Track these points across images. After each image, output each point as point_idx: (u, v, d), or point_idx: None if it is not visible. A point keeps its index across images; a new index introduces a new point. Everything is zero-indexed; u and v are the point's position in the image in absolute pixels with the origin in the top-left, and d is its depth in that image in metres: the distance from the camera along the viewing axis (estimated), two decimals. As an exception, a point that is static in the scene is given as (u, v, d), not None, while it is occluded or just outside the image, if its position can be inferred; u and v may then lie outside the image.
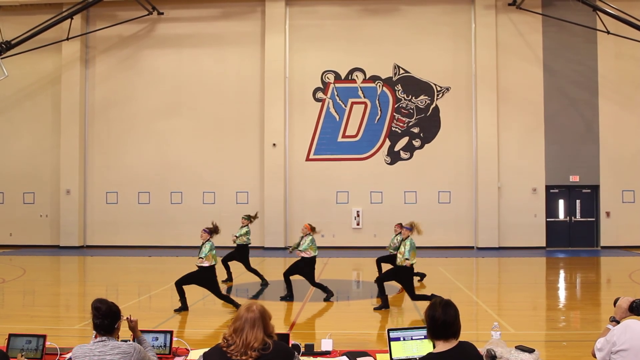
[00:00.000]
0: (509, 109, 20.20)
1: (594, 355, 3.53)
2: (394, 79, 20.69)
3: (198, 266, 9.23)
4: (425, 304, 5.83)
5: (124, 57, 21.46)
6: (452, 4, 20.63)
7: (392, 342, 4.53)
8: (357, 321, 8.81)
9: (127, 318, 4.10)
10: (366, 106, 20.73)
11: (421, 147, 20.60)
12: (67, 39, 19.97)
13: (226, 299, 9.33)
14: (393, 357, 4.50)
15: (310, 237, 10.25)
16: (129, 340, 3.98)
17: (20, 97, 21.64)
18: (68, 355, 4.61)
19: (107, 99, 21.44)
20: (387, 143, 20.64)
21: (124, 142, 21.27)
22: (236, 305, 8.97)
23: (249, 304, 3.37)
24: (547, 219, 20.33)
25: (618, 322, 3.53)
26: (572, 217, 20.58)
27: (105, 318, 3.70)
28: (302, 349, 4.86)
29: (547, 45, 20.24)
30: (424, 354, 3.42)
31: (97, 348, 3.61)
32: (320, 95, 20.81)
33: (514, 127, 20.20)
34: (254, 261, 12.79)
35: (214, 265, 9.22)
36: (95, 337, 3.75)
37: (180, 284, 9.29)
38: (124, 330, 4.07)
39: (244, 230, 12.44)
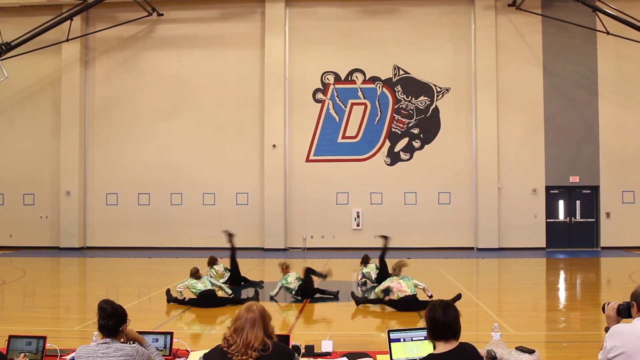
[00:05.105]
0: (508, 110, 20.19)
1: None
2: (394, 79, 20.69)
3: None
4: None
5: (123, 59, 21.46)
6: (451, 5, 20.63)
7: (392, 343, 4.54)
8: (357, 322, 8.80)
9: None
10: (366, 107, 20.73)
11: (421, 148, 20.59)
12: (67, 40, 19.96)
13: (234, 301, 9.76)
14: (393, 358, 4.50)
15: None
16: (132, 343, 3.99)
17: (20, 99, 21.64)
18: (69, 357, 4.63)
19: (107, 100, 21.43)
20: (387, 144, 20.64)
21: (124, 143, 21.27)
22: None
23: (249, 304, 3.38)
24: (547, 220, 20.32)
25: None
26: (572, 218, 20.57)
27: (110, 319, 3.72)
28: (303, 350, 4.88)
29: (546, 46, 20.24)
30: (424, 355, 3.43)
31: (101, 349, 3.64)
32: (320, 96, 20.81)
33: (514, 127, 20.19)
34: (253, 262, 12.77)
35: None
36: (101, 337, 3.76)
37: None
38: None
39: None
